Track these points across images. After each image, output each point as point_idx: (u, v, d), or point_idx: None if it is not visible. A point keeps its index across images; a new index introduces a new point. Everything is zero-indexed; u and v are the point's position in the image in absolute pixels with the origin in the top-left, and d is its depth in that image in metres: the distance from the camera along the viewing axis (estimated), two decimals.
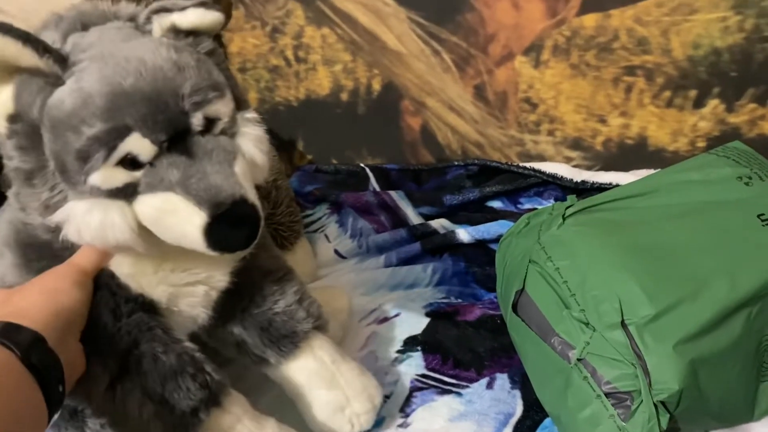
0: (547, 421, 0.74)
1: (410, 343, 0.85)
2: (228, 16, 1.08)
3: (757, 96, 0.99)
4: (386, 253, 1.02)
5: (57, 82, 0.49)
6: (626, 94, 1.02)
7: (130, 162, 0.49)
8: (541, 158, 1.12)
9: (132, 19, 0.54)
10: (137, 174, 0.50)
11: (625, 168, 1.07)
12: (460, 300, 0.94)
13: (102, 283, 0.54)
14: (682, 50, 0.97)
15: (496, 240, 0.94)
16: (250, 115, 0.57)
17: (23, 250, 0.56)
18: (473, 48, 1.02)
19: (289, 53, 1.08)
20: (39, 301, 0.49)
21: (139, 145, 0.48)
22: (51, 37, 0.52)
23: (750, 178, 0.82)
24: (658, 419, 0.63)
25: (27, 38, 0.47)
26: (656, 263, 0.71)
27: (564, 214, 0.80)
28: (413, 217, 1.09)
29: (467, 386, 0.79)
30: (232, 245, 0.51)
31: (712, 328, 0.66)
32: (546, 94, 1.04)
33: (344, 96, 1.11)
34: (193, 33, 0.54)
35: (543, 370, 0.73)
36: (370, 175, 1.16)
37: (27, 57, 0.47)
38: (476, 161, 1.12)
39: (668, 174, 0.86)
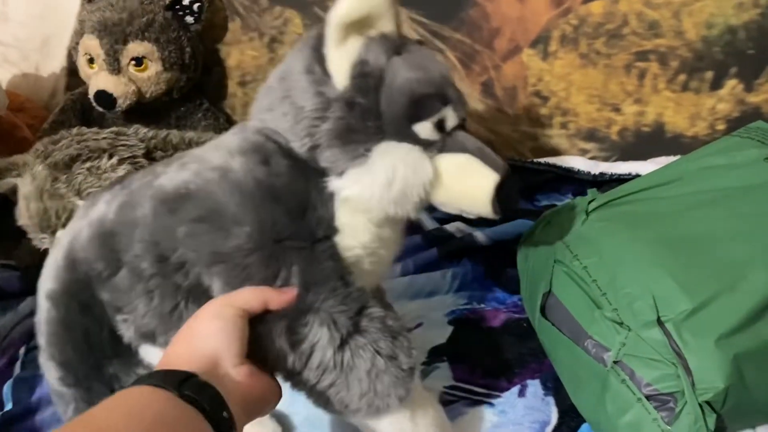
0: (584, 426, 0.71)
1: (435, 354, 0.82)
2: (224, 29, 1.05)
3: None
4: (403, 261, 0.99)
5: (397, 50, 0.57)
6: (639, 81, 0.99)
7: (439, 126, 0.58)
8: (556, 152, 1.09)
9: None
10: (439, 135, 0.58)
11: (644, 157, 1.03)
12: (483, 305, 0.91)
13: (329, 254, 0.58)
14: (696, 31, 0.93)
15: (516, 240, 0.91)
16: None
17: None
18: (478, 44, 1.00)
19: None
20: (181, 350, 0.52)
21: (451, 115, 0.58)
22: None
23: None
24: (705, 421, 0.60)
25: (397, 8, 0.57)
26: (688, 255, 0.68)
27: (587, 210, 0.77)
28: (428, 222, 1.06)
29: (499, 395, 0.76)
30: (511, 203, 0.59)
31: (754, 320, 0.63)
32: (556, 86, 1.01)
33: None
34: None
35: (577, 374, 0.70)
36: None
37: (389, 23, 0.57)
38: None
39: (691, 160, 0.83)
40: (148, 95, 0.97)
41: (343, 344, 0.57)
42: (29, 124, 1.12)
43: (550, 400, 0.75)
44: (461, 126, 0.61)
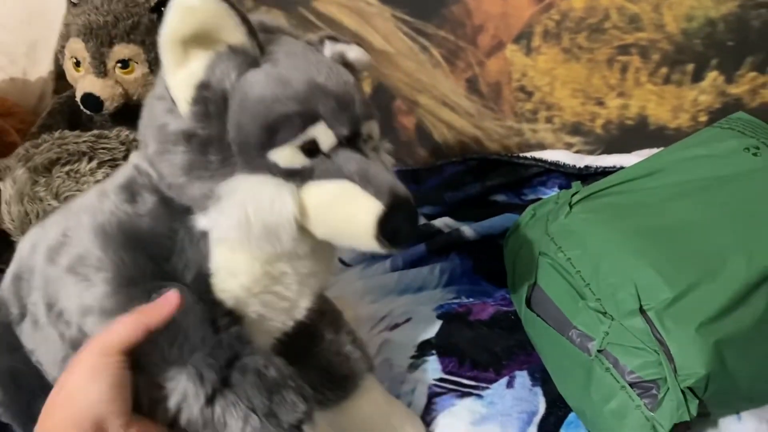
0: (571, 416, 0.72)
1: (424, 348, 0.83)
2: None
3: (757, 64, 0.97)
4: (391, 257, 0.99)
5: (253, 63, 0.50)
6: (622, 74, 1.00)
7: (308, 149, 0.50)
8: (542, 147, 1.10)
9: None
10: (312, 161, 0.51)
11: (628, 149, 1.04)
12: (471, 299, 0.92)
13: (198, 297, 0.52)
14: (676, 24, 0.94)
15: (503, 234, 0.92)
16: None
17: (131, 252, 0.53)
18: (462, 41, 1.00)
19: None
20: (58, 419, 0.47)
21: (323, 133, 0.50)
22: (251, 26, 0.54)
23: (758, 148, 0.80)
24: (687, 406, 0.61)
25: (243, 16, 0.49)
26: (670, 245, 0.69)
27: (571, 202, 0.78)
28: None
29: (487, 387, 0.77)
30: (401, 238, 0.51)
31: (735, 307, 0.64)
32: (540, 81, 1.02)
33: None
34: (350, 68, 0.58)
35: (563, 364, 0.71)
36: None
37: (237, 34, 0.49)
38: (475, 156, 1.10)
39: (673, 152, 0.84)
40: (135, 97, 0.98)
41: (211, 400, 0.50)
42: (18, 129, 1.12)
43: (538, 390, 0.75)
44: (352, 142, 0.52)
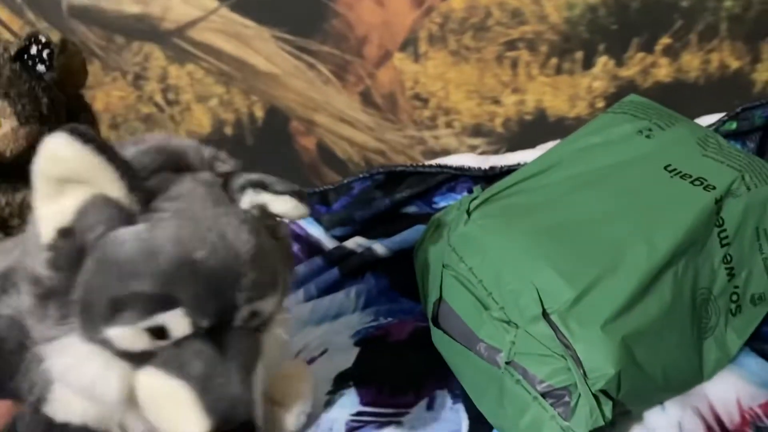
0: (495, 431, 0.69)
1: (341, 380, 0.79)
2: (84, 73, 1.00)
3: (643, 44, 0.97)
4: (304, 286, 0.95)
5: (129, 220, 0.44)
6: (513, 70, 0.99)
7: (157, 331, 0.45)
8: (447, 152, 1.08)
9: (226, 179, 0.50)
10: (159, 344, 0.45)
11: (531, 144, 1.03)
12: (390, 319, 0.88)
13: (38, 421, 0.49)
14: (558, 14, 0.94)
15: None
16: (283, 315, 0.55)
17: None
18: (348, 54, 0.98)
19: (159, 98, 1.01)
20: None
21: (178, 321, 0.44)
22: (142, 161, 0.47)
23: (650, 130, 0.80)
24: (601, 410, 0.58)
25: (124, 169, 0.43)
26: (568, 242, 0.67)
27: (469, 209, 0.75)
28: (327, 241, 1.03)
29: (407, 412, 0.73)
30: None
31: (640, 299, 0.63)
32: (434, 87, 1.00)
33: (228, 130, 1.05)
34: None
35: (476, 381, 0.68)
36: None
37: (114, 187, 0.43)
38: (381, 169, 1.07)
39: (569, 143, 0.83)
40: (8, 153, 0.91)
41: None
42: None
43: (460, 407, 0.72)
44: (218, 329, 0.46)
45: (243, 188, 0.49)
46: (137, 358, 0.45)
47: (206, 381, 0.45)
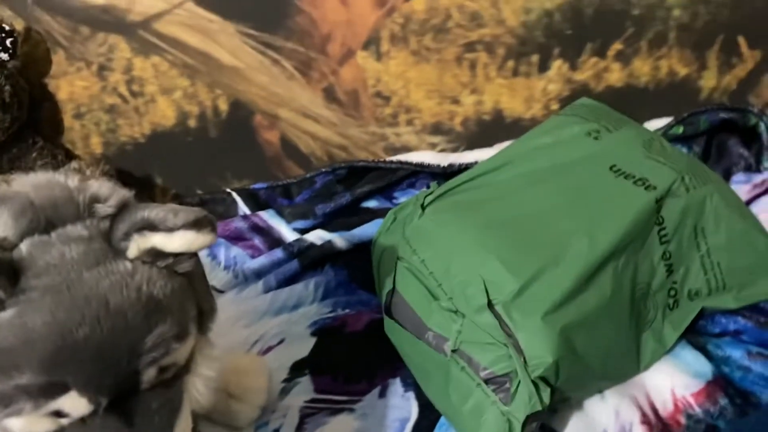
0: (443, 418, 0.71)
1: (297, 369, 0.81)
2: (48, 62, 1.00)
3: (596, 50, 1.00)
4: (264, 277, 0.97)
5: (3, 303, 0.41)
6: (472, 71, 1.01)
7: (57, 412, 0.42)
8: (407, 149, 1.10)
9: (109, 225, 0.46)
10: (63, 422, 0.43)
11: (489, 143, 1.06)
12: (347, 310, 0.90)
13: None
14: (515, 18, 0.96)
15: None
16: (208, 350, 0.51)
17: None
18: (312, 51, 0.99)
19: (123, 89, 1.01)
20: None
21: (74, 403, 0.42)
22: (4, 229, 0.43)
23: (598, 131, 0.83)
24: (540, 396, 0.61)
25: None
26: (515, 236, 0.70)
27: (423, 204, 0.78)
28: (288, 234, 1.05)
29: (359, 400, 0.76)
30: None
31: (579, 291, 0.66)
32: (395, 85, 1.02)
33: (192, 122, 1.05)
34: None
35: (424, 368, 0.71)
36: (238, 199, 1.10)
37: None
38: (343, 164, 1.09)
39: (521, 143, 0.86)
40: None
41: None
42: None
43: (411, 395, 0.75)
44: (124, 398, 0.43)
45: (127, 235, 0.45)
46: None
47: None
